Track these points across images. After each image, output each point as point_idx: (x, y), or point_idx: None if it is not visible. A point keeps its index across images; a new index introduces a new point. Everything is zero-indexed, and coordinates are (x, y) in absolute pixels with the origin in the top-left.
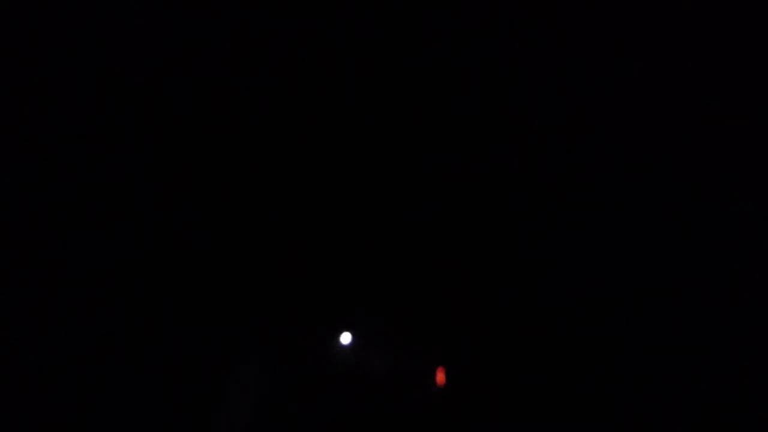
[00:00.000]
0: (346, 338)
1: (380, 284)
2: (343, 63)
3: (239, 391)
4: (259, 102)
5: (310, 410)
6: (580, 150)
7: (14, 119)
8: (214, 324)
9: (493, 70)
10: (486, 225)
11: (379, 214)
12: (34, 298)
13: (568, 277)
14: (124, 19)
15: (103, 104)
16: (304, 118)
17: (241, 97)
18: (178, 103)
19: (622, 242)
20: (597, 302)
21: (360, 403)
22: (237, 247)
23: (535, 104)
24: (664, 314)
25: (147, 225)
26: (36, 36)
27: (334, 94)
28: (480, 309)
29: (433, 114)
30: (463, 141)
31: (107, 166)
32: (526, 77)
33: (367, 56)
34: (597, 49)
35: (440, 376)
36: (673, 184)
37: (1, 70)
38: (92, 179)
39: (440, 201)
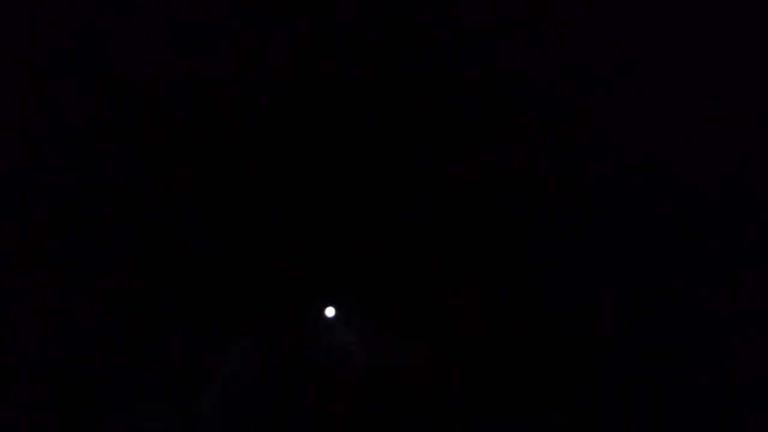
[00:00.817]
0: (330, 312)
1: (365, 269)
2: (343, 63)
3: (228, 371)
4: (258, 101)
5: (296, 390)
6: (580, 150)
7: (14, 119)
8: (201, 306)
9: (493, 70)
10: (471, 214)
11: (366, 203)
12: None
13: (564, 269)
14: (124, 19)
15: (103, 104)
16: (304, 117)
17: (239, 96)
18: (177, 102)
19: (620, 240)
20: (594, 298)
21: (345, 382)
22: (230, 233)
23: (535, 104)
24: (661, 312)
25: (135, 218)
26: (36, 36)
27: (334, 94)
28: (468, 299)
29: (434, 114)
30: (463, 141)
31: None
32: (526, 77)
33: (367, 56)
34: (597, 49)
35: None
36: (673, 184)
37: (1, 70)
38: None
39: (426, 195)
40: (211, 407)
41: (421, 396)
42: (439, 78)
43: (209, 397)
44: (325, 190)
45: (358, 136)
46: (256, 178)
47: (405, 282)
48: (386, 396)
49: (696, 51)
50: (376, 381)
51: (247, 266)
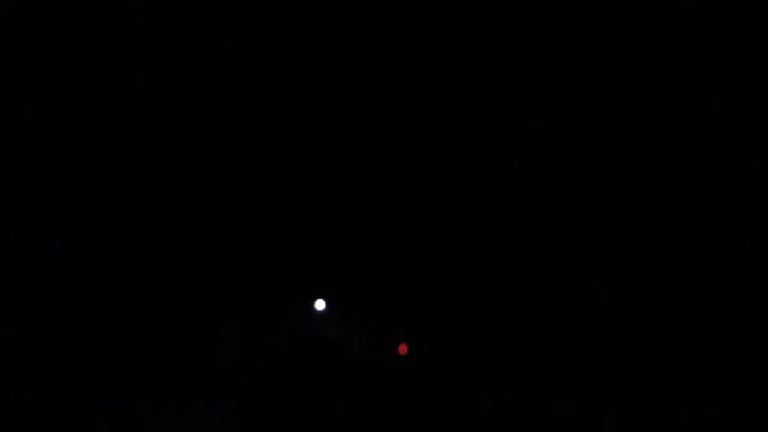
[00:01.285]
0: (320, 305)
1: (355, 263)
2: (343, 63)
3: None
4: (258, 102)
5: (288, 380)
6: (580, 150)
7: (14, 119)
8: (194, 299)
9: (493, 70)
10: (469, 212)
11: (357, 199)
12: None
13: (564, 268)
14: (124, 19)
15: (103, 104)
16: (304, 117)
17: (239, 96)
18: (176, 102)
19: (620, 240)
20: (593, 298)
21: (331, 370)
22: (226, 230)
23: (535, 104)
24: (660, 312)
25: (128, 217)
26: (36, 36)
27: (334, 94)
28: (467, 297)
29: (434, 114)
30: (463, 141)
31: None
32: (526, 77)
33: (367, 56)
34: (597, 49)
35: (402, 347)
36: (673, 184)
37: (1, 70)
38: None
39: (424, 194)
40: (208, 405)
41: (419, 395)
42: (439, 78)
43: (206, 395)
44: (323, 188)
45: (353, 131)
46: (253, 176)
47: (403, 280)
48: (383, 394)
49: (696, 51)
50: (372, 378)
51: (244, 263)
